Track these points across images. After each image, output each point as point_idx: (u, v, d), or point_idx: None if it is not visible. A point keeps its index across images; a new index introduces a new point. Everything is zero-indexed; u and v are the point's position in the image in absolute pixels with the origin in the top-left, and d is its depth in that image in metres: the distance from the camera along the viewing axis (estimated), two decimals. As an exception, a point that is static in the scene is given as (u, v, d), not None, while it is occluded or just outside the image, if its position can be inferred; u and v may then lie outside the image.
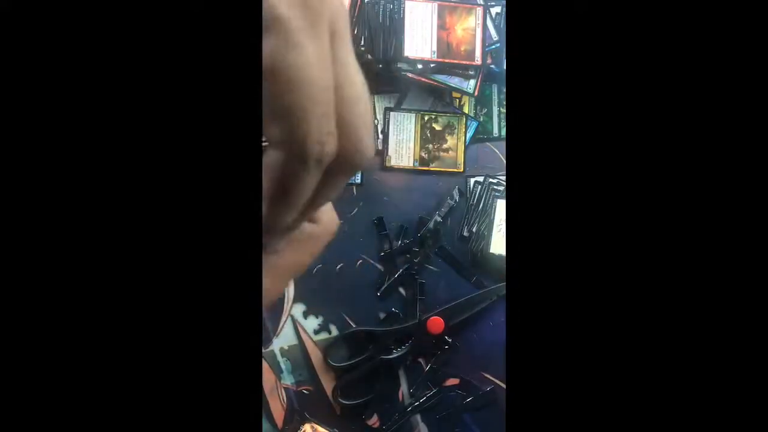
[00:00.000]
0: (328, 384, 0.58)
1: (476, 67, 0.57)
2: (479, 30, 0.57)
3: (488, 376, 0.59)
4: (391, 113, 0.59)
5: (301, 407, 0.57)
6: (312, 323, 0.58)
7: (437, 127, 0.59)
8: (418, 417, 0.58)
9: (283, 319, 0.58)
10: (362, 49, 0.56)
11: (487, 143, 0.60)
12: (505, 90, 0.60)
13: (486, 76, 0.58)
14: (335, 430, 0.57)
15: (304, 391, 0.58)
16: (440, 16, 0.56)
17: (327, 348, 0.57)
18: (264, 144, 0.22)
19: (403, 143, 0.59)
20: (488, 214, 0.58)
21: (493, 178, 0.59)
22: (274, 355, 0.57)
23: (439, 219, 0.59)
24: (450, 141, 0.59)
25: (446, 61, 0.56)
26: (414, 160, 0.59)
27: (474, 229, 0.58)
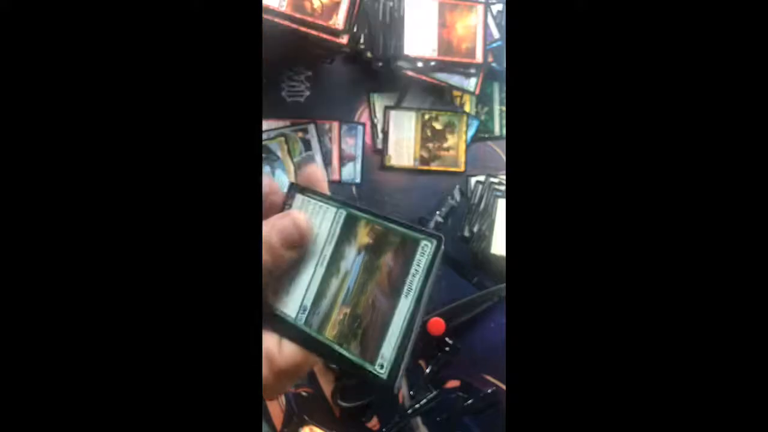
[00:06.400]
0: (327, 386, 0.57)
1: (477, 66, 0.56)
2: (480, 28, 0.56)
3: (489, 377, 0.58)
4: (391, 112, 0.58)
5: (300, 410, 0.57)
6: (311, 324, 0.58)
7: (438, 126, 0.59)
8: (419, 419, 0.58)
9: (282, 320, 0.57)
10: (362, 47, 0.56)
11: (489, 142, 0.60)
12: (506, 88, 0.59)
13: (487, 75, 0.58)
14: (335, 432, 0.57)
15: (304, 394, 0.57)
16: (441, 14, 0.56)
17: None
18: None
19: (403, 142, 0.58)
20: (489, 214, 0.57)
21: (495, 178, 0.58)
22: (273, 357, 0.57)
23: (439, 219, 0.58)
24: (451, 140, 0.59)
25: (447, 59, 0.56)
26: (414, 159, 0.59)
27: (475, 230, 0.58)
